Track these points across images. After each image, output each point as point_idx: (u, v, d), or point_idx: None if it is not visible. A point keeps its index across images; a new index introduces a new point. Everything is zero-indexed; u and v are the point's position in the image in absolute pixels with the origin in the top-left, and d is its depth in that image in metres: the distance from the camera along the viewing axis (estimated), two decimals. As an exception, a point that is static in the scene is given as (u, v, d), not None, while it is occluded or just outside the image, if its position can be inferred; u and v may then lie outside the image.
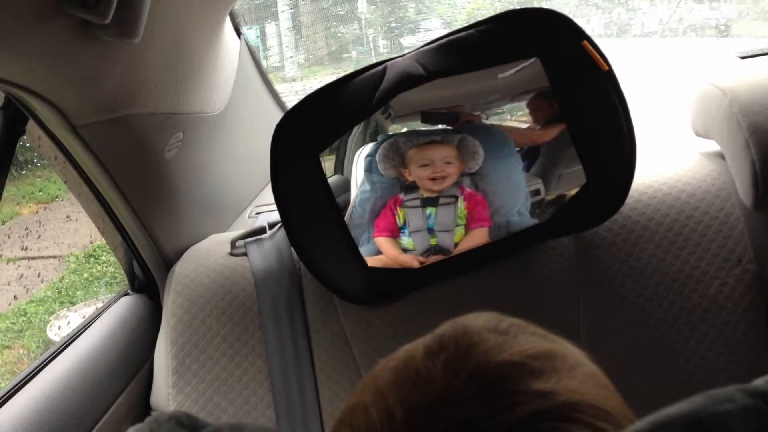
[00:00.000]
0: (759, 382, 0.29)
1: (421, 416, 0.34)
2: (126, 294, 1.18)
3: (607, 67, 0.90)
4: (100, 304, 1.19)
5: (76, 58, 0.73)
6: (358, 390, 0.39)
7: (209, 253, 1.12)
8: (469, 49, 0.91)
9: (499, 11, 0.92)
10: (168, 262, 1.14)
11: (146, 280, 1.16)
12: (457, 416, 0.33)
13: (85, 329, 1.07)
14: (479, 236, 1.00)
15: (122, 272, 1.18)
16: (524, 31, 0.91)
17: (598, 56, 0.90)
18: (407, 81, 0.90)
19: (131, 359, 1.09)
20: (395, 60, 0.94)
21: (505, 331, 0.38)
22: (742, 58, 1.44)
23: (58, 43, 0.68)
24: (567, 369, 0.36)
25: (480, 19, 0.92)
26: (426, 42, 0.94)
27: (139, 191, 1.04)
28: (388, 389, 0.36)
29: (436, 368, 0.36)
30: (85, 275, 3.08)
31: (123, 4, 0.67)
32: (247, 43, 1.39)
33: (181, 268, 1.10)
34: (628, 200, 0.97)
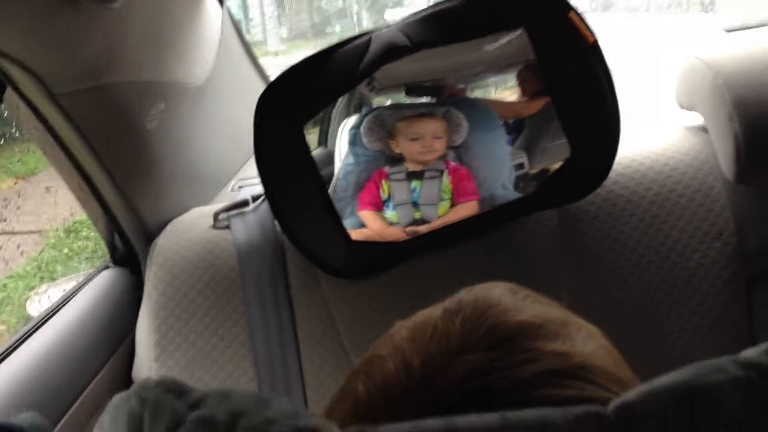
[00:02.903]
0: (751, 353, 0.30)
1: (438, 364, 0.34)
2: (107, 267, 1.17)
3: (592, 39, 0.90)
4: (81, 279, 1.18)
5: (56, 24, 0.71)
6: (374, 346, 0.39)
7: (192, 226, 1.11)
8: (455, 21, 0.90)
9: (485, -17, 0.91)
10: (150, 235, 1.12)
11: (127, 253, 1.14)
12: (474, 365, 0.33)
13: (66, 303, 1.05)
14: (467, 210, 1.00)
15: (103, 247, 1.16)
16: (510, 3, 0.90)
17: (584, 28, 0.89)
18: (392, 52, 0.89)
19: (113, 333, 1.08)
20: (380, 31, 0.93)
21: (522, 298, 0.39)
22: (728, 31, 1.44)
23: (37, 8, 0.67)
24: (582, 337, 0.37)
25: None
26: (411, 14, 0.93)
27: (120, 162, 1.02)
28: (405, 343, 0.36)
29: (454, 324, 0.36)
30: (65, 251, 3.05)
31: (102, -31, 0.65)
32: (229, 13, 1.37)
33: (163, 241, 1.09)
34: (612, 174, 0.97)
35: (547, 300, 0.41)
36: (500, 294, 0.39)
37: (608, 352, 0.37)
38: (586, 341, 0.36)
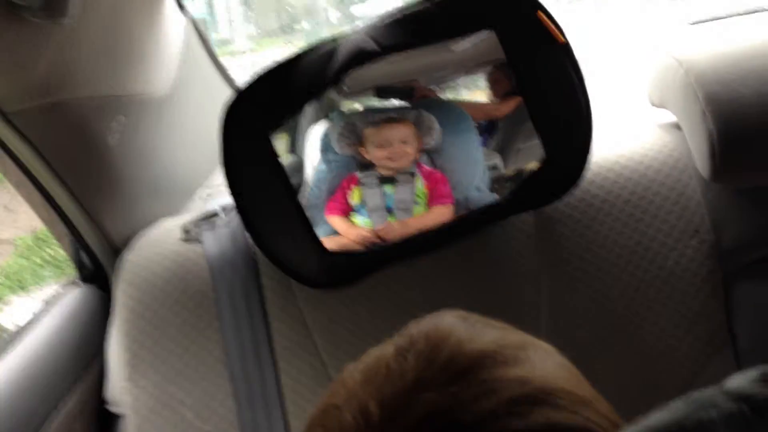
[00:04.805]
0: (739, 381, 0.29)
1: (396, 405, 0.33)
2: (75, 285, 1.13)
3: (563, 40, 0.89)
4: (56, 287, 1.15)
5: (2, 42, 0.68)
6: (327, 393, 0.38)
7: (160, 240, 1.08)
8: (423, 23, 0.88)
9: (452, -17, 0.89)
10: (117, 250, 1.09)
11: (95, 270, 1.11)
12: (434, 403, 0.32)
13: (33, 324, 1.02)
14: (442, 213, 0.98)
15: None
16: (478, 3, 0.89)
17: (554, 28, 0.88)
18: (360, 56, 0.87)
19: (83, 353, 1.05)
20: (347, 37, 0.91)
21: (473, 325, 0.38)
22: (694, 23, 1.43)
23: None
24: (539, 358, 0.36)
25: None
26: (378, 16, 0.91)
27: (82, 179, 0.99)
28: (359, 388, 0.35)
29: (407, 362, 0.35)
30: (36, 259, 3.01)
31: (50, -17, 0.62)
32: (192, 20, 1.33)
33: (131, 256, 1.06)
34: (587, 174, 0.96)
35: (500, 323, 0.40)
36: (451, 323, 0.38)
37: (568, 371, 0.37)
38: (544, 362, 0.36)
